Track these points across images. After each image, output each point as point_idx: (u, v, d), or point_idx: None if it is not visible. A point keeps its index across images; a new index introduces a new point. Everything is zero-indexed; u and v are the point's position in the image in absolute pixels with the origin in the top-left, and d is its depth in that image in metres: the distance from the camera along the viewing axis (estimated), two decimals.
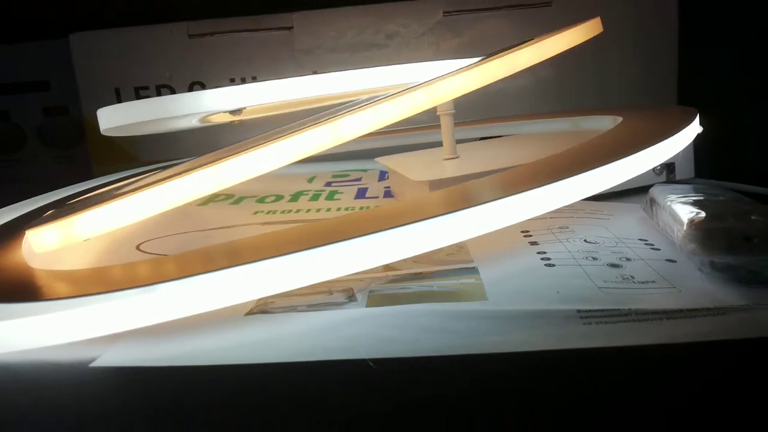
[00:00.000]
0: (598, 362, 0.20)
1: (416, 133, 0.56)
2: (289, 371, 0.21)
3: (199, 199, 0.49)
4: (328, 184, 0.52)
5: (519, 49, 0.33)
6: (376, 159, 0.47)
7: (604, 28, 0.61)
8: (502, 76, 0.32)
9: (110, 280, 0.23)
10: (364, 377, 0.20)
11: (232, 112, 0.33)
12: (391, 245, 0.23)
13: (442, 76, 0.31)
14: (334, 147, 0.58)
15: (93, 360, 0.22)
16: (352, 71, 0.37)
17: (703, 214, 0.23)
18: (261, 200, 0.46)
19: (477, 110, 0.60)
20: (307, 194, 0.48)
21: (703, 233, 0.23)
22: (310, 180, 0.54)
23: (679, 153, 0.41)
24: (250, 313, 0.25)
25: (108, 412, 0.21)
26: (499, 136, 0.53)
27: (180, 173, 0.26)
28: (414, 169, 0.41)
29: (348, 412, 0.20)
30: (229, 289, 0.21)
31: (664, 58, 0.61)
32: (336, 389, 0.20)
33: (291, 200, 0.46)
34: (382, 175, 0.53)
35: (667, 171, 0.40)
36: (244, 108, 0.33)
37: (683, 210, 0.25)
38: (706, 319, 0.21)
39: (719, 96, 0.60)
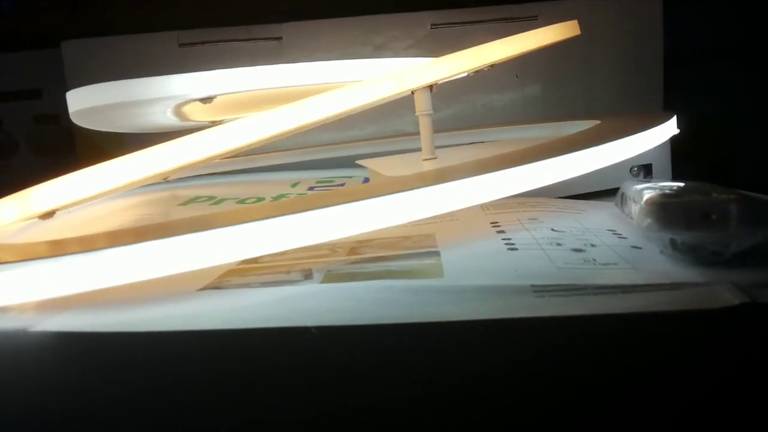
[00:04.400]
0: (545, 331, 0.19)
1: (405, 138, 0.56)
2: (232, 339, 0.20)
3: (180, 199, 0.49)
4: (311, 188, 0.51)
5: (491, 44, 0.33)
6: (357, 161, 0.47)
7: (589, 43, 0.61)
8: (472, 68, 0.32)
9: (59, 247, 0.22)
10: (308, 344, 0.20)
11: (203, 101, 0.33)
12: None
13: (413, 66, 0.31)
14: (324, 154, 0.58)
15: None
16: (334, 61, 0.37)
17: (661, 192, 0.23)
18: (242, 201, 0.46)
19: (464, 124, 0.60)
20: (289, 197, 0.47)
21: (659, 207, 0.22)
22: (294, 185, 0.53)
23: (656, 154, 0.41)
24: (203, 289, 0.24)
25: (51, 377, 0.21)
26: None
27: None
28: (391, 168, 0.40)
29: (292, 376, 0.20)
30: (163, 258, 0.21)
31: (650, 74, 0.61)
32: (281, 356, 0.20)
33: (272, 202, 0.45)
34: (366, 182, 0.53)
35: (645, 172, 0.40)
36: (215, 96, 0.33)
37: (645, 191, 0.25)
38: (660, 294, 0.21)
39: (703, 110, 0.61)
